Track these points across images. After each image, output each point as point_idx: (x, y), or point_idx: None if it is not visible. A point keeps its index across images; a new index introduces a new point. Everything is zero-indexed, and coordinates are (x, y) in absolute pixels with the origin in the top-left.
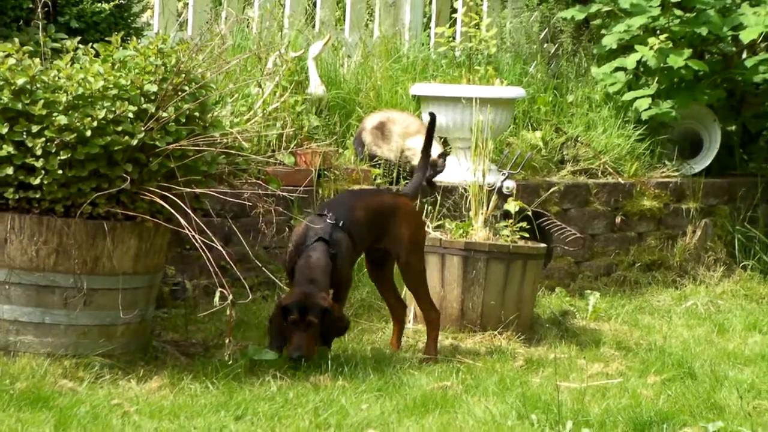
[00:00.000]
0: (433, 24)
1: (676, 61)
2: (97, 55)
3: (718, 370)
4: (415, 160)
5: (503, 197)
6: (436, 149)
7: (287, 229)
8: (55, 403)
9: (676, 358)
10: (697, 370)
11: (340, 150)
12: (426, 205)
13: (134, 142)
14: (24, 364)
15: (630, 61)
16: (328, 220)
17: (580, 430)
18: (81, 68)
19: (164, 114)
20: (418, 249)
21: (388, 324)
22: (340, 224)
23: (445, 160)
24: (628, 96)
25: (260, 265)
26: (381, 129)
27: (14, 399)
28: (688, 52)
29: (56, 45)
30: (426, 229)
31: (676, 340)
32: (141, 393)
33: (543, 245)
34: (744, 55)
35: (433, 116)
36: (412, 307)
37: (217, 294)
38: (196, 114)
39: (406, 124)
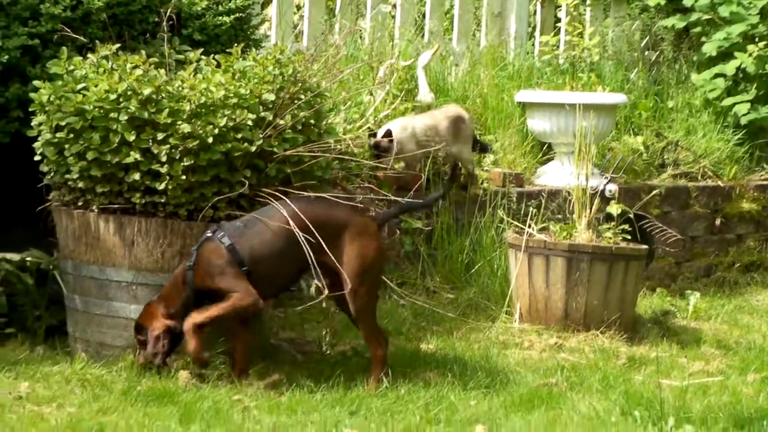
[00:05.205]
0: (537, 33)
1: None
2: (218, 65)
3: None
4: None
5: (606, 200)
6: (381, 131)
7: (397, 232)
8: (179, 399)
9: None
10: None
11: None
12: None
13: (253, 148)
14: None
15: (729, 67)
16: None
17: (682, 427)
18: (203, 78)
19: (281, 121)
20: (368, 278)
21: (494, 323)
22: (218, 235)
23: (391, 141)
24: (727, 101)
25: None
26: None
27: (141, 394)
28: None
29: (180, 56)
30: (382, 258)
31: None
32: (260, 389)
33: (644, 247)
34: None
35: (456, 165)
36: (518, 306)
37: (313, 286)
38: (312, 121)
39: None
